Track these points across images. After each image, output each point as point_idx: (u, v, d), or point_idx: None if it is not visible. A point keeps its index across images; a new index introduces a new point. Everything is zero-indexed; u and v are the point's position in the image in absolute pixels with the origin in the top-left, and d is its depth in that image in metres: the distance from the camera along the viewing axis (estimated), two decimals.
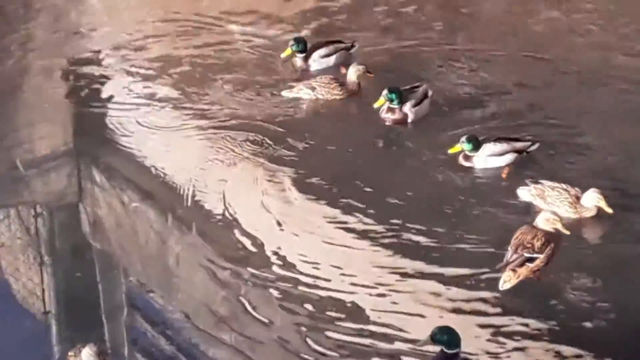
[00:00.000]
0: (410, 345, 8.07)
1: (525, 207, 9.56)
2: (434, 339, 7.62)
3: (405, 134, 10.97)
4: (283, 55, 12.31)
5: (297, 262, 9.03)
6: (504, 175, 10.16)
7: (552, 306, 8.42)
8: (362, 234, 9.31)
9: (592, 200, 9.29)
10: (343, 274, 8.90)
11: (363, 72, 11.68)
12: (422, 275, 8.80)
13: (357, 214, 9.56)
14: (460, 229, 9.29)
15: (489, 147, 10.24)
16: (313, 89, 11.65)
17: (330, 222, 9.49)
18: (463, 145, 10.22)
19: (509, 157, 10.28)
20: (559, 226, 8.74)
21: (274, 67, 12.46)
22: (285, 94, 11.70)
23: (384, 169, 10.35)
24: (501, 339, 8.15)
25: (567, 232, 8.77)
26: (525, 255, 8.55)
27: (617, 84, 11.78)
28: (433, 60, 12.55)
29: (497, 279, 8.54)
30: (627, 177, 9.96)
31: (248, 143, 10.77)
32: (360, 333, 8.28)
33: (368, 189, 9.92)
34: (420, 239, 9.20)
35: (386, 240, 9.22)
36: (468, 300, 8.51)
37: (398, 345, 8.13)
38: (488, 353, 8.03)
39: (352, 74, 11.68)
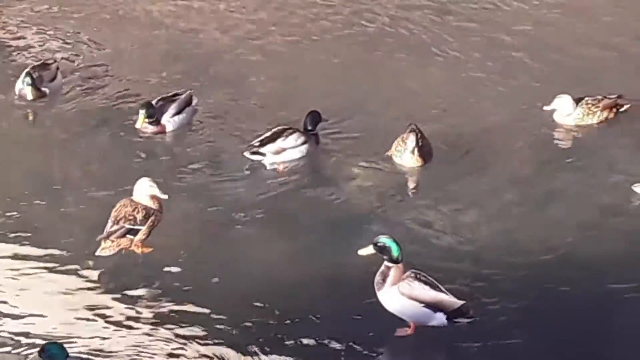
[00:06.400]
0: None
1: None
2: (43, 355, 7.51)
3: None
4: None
5: None
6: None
7: (151, 278, 8.92)
8: None
9: None
10: None
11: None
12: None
13: None
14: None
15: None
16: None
17: None
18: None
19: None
20: (156, 191, 9.01)
21: None
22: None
23: None
24: (113, 317, 8.60)
25: (165, 196, 9.06)
26: (126, 227, 8.88)
27: None
28: None
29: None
30: None
31: None
32: None
33: None
34: None
35: None
36: (74, 289, 8.91)
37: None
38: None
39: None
